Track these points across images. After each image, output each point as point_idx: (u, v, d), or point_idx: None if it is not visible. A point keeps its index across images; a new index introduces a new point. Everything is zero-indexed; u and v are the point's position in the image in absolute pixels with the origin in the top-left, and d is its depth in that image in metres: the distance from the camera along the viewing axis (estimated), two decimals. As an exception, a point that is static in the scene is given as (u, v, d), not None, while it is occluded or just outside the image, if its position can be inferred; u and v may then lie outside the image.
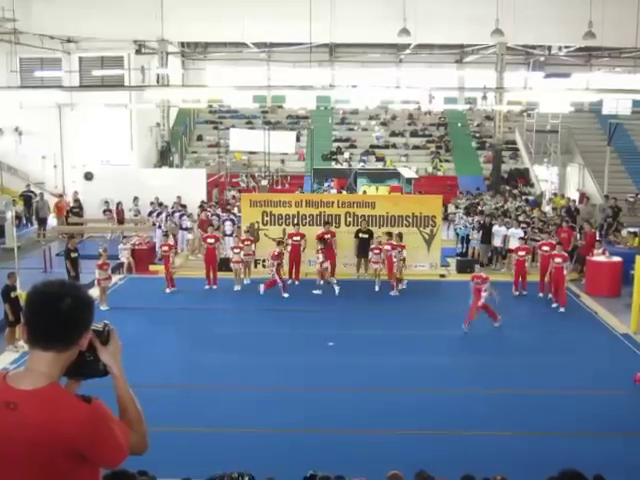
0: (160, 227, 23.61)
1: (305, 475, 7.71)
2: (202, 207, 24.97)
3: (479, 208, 25.69)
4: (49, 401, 2.61)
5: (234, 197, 29.30)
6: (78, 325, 2.69)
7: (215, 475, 3.20)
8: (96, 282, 18.12)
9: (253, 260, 20.63)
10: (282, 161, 33.67)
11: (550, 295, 18.72)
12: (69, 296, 2.66)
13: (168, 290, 19.56)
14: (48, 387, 2.63)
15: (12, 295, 14.47)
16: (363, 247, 20.56)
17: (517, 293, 19.48)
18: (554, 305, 18.31)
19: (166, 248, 20.05)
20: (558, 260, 18.39)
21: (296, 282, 20.02)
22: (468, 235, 23.04)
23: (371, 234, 20.71)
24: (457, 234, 24.23)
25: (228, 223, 23.02)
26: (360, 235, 20.73)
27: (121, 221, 26.31)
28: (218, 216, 24.27)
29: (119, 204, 26.23)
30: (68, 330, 2.67)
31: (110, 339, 2.82)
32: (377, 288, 19.74)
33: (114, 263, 21.50)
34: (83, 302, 2.72)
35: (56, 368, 2.68)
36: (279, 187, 33.14)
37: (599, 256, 20.03)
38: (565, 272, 18.35)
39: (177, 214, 24.42)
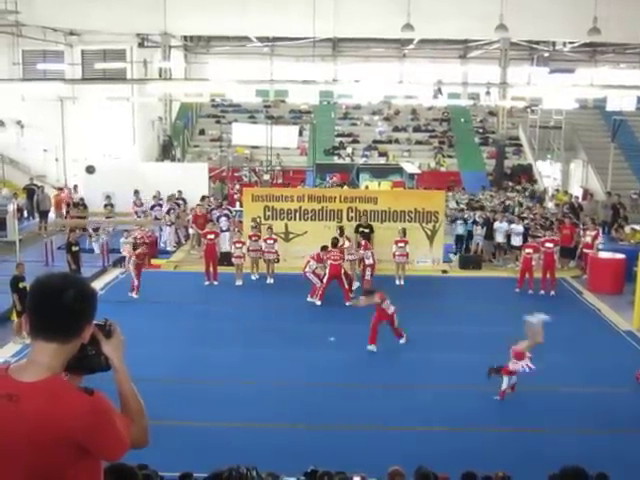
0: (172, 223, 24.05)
1: (306, 470, 7.67)
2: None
3: (480, 204, 25.62)
4: (51, 393, 2.60)
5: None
6: (81, 317, 2.69)
7: (222, 469, 3.17)
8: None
9: (260, 256, 20.37)
10: (277, 155, 33.54)
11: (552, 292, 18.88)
12: (72, 288, 2.67)
13: (207, 283, 19.82)
14: (50, 379, 2.62)
15: (20, 285, 14.46)
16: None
17: (518, 290, 19.39)
18: (542, 292, 18.98)
19: (212, 236, 20.12)
20: (549, 245, 19.08)
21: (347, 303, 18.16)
22: (471, 231, 22.89)
23: (371, 229, 20.64)
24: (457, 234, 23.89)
25: (223, 219, 22.93)
26: (361, 230, 20.66)
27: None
28: (211, 211, 24.17)
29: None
30: (71, 322, 2.67)
31: (113, 333, 2.82)
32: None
33: (116, 257, 21.56)
34: (86, 294, 2.72)
35: (58, 360, 2.67)
36: (280, 182, 33.09)
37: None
38: (555, 256, 19.29)
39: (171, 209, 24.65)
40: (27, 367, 2.66)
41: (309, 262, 18.43)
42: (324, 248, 18.52)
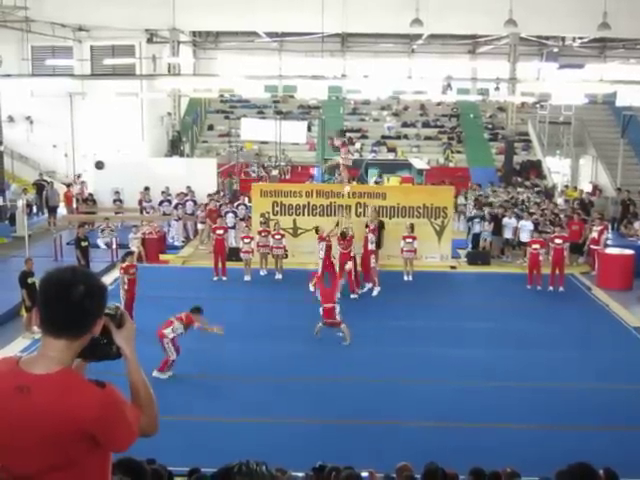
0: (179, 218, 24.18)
1: (314, 466, 7.68)
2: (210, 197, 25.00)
3: (489, 200, 25.51)
4: (62, 385, 2.61)
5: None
6: (90, 314, 2.68)
7: (231, 464, 3.16)
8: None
9: (269, 251, 20.33)
10: (283, 151, 33.51)
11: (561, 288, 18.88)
12: (81, 284, 2.64)
13: (216, 278, 19.76)
14: (61, 372, 2.63)
15: (29, 281, 14.52)
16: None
17: (530, 287, 19.30)
18: (550, 288, 18.88)
19: (221, 231, 20.12)
20: (558, 241, 19.10)
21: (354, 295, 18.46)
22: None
23: (382, 225, 20.60)
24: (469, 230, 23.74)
25: (230, 215, 22.90)
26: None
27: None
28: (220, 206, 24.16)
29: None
30: (80, 319, 2.65)
31: (124, 322, 2.81)
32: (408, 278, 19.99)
33: (124, 252, 21.60)
34: (95, 290, 2.70)
35: (68, 354, 2.67)
36: (288, 177, 33.09)
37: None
38: (565, 253, 19.28)
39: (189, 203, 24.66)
40: (38, 360, 2.66)
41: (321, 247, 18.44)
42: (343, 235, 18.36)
